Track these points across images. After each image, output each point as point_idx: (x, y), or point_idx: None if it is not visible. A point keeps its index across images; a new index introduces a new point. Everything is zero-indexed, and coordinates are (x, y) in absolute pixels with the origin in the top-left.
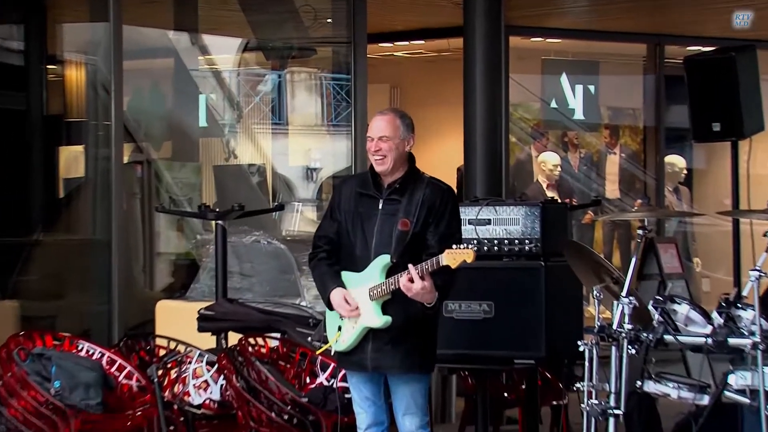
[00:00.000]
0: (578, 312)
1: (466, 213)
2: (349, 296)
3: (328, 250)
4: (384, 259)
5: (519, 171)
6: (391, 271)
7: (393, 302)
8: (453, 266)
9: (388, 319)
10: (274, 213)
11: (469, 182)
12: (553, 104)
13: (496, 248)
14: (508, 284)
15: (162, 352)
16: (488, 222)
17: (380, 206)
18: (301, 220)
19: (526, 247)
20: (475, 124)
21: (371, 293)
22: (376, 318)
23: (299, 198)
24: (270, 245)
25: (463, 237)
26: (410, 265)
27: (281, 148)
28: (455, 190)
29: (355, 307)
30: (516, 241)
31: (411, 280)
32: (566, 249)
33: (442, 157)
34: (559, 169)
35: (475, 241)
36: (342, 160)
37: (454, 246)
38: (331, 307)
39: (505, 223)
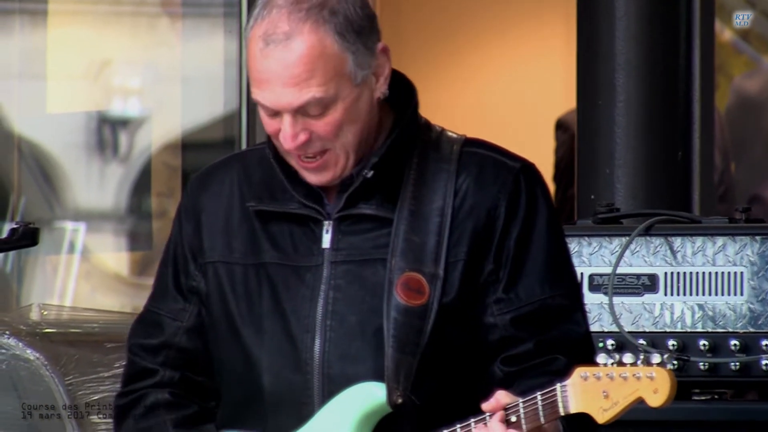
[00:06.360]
0: None
1: (584, 251)
2: None
3: (169, 383)
4: (367, 396)
5: (746, 132)
6: (390, 425)
7: None
8: (602, 419)
9: None
10: (6, 253)
11: (593, 162)
12: None
13: (677, 360)
14: None
15: None
16: (651, 283)
17: (328, 242)
18: (88, 275)
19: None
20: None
21: None
22: None
23: (78, 208)
24: None
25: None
26: (501, 393)
27: (27, 59)
28: (542, 178)
29: None
30: (734, 342)
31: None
32: None
33: (505, 100)
34: None
35: (611, 339)
36: (206, 95)
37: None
38: None
39: (704, 285)
